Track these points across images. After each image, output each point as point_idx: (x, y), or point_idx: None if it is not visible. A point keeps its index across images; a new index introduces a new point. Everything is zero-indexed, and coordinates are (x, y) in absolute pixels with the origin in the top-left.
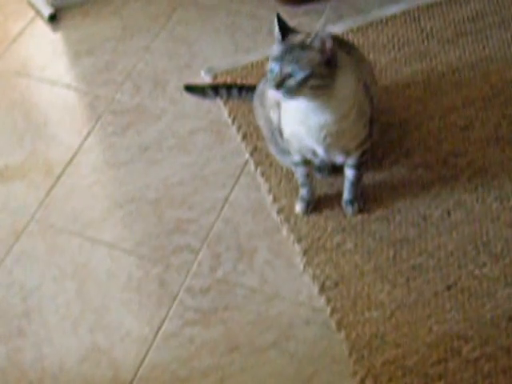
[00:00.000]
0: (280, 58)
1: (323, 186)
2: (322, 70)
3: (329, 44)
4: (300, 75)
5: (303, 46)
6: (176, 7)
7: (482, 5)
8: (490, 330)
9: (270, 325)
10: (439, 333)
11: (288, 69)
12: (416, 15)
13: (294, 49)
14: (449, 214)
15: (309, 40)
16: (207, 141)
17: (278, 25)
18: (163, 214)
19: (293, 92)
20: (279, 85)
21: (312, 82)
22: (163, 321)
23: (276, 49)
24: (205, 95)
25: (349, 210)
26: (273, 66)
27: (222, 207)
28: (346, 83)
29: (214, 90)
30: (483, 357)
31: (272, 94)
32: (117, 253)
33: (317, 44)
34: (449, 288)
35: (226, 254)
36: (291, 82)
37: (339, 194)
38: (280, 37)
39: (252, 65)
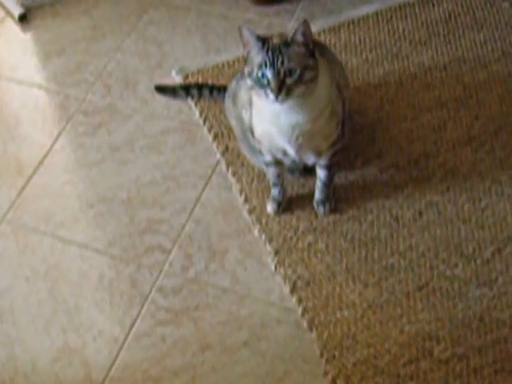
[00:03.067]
0: (271, 63)
1: (295, 186)
2: (311, 61)
3: (310, 33)
4: (297, 71)
5: (288, 44)
6: (147, 7)
7: (453, 6)
8: (461, 331)
9: (242, 324)
10: (411, 333)
11: (284, 69)
12: (388, 16)
13: (280, 49)
14: (420, 214)
15: (291, 36)
16: (178, 141)
17: (251, 35)
18: (135, 214)
19: (291, 91)
20: (280, 88)
21: (307, 74)
22: (135, 320)
23: (260, 56)
24: (175, 95)
25: (321, 210)
26: (265, 73)
27: (194, 207)
28: (322, 83)
29: (185, 90)
30: (455, 357)
31: (270, 102)
32: (89, 253)
33: (299, 38)
34: (420, 288)
35: (197, 253)
36: (290, 81)
37: (311, 195)
38: (260, 43)
39: (223, 65)
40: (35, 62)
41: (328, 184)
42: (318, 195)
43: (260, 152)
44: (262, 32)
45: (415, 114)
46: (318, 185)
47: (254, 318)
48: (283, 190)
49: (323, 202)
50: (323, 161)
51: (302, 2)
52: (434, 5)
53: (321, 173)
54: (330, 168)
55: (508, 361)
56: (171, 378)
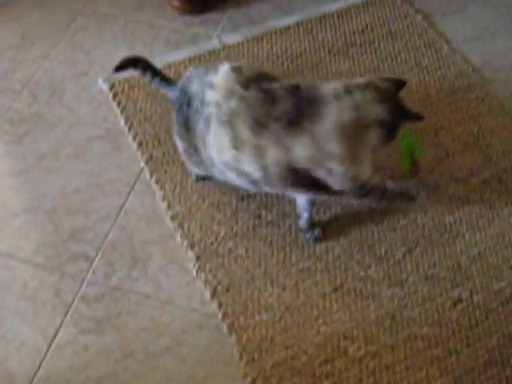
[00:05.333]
0: None
1: (217, 192)
2: None
3: None
4: None
5: None
6: (76, 15)
7: (371, 18)
8: (374, 330)
9: (163, 330)
10: (326, 333)
11: None
12: (309, 27)
13: None
14: (336, 218)
15: None
16: (104, 149)
17: None
18: (59, 223)
19: None
20: None
21: None
22: (58, 329)
23: None
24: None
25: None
26: None
27: (118, 215)
28: None
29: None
30: (368, 355)
31: None
32: (12, 262)
33: None
34: (336, 290)
35: (120, 261)
36: None
37: (232, 200)
38: None
39: None
40: None
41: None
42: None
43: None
44: (187, 42)
45: None
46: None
47: (175, 323)
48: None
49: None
50: None
51: (226, 12)
52: (352, 17)
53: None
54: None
55: (418, 357)
56: None
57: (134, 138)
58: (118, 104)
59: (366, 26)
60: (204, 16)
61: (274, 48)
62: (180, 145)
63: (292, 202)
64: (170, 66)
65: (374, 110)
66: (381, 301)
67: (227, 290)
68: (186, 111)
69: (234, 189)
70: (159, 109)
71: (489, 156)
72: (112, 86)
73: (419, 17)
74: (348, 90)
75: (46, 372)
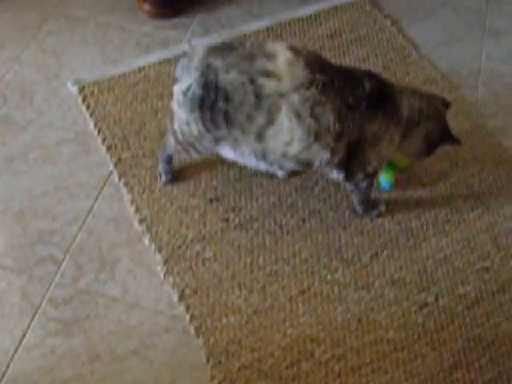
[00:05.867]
0: None
1: (184, 195)
2: None
3: None
4: None
5: None
6: (47, 18)
7: (340, 23)
8: (340, 333)
9: (131, 333)
10: (293, 336)
11: None
12: (278, 31)
13: None
14: (304, 222)
15: None
16: (72, 152)
17: None
18: (27, 225)
19: None
20: None
21: None
22: (25, 332)
23: None
24: None
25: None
26: None
27: (86, 218)
28: None
29: None
30: (334, 358)
31: None
32: None
33: None
34: (303, 293)
35: (88, 264)
36: None
37: (199, 204)
38: None
39: (119, 76)
40: None
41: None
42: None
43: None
44: (158, 45)
45: None
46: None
47: (142, 326)
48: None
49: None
50: None
51: (197, 16)
52: (321, 22)
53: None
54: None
55: (384, 360)
56: None
57: (103, 141)
58: (88, 107)
59: (335, 31)
60: (175, 20)
61: None
62: (206, 139)
63: (260, 205)
64: (140, 70)
65: (426, 123)
66: (347, 304)
67: (195, 292)
68: (223, 106)
69: (203, 192)
70: (129, 112)
71: (456, 161)
72: (81, 90)
73: (388, 22)
74: (414, 92)
75: (13, 374)
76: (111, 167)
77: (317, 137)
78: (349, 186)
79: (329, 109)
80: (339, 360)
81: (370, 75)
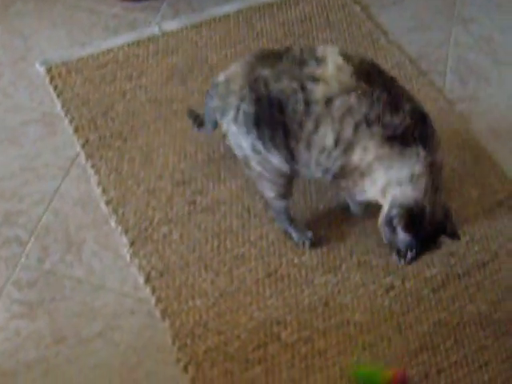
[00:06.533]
0: None
1: (151, 178)
2: None
3: None
4: None
5: None
6: (14, 0)
7: (309, 8)
8: (307, 315)
9: (96, 315)
10: (260, 319)
11: None
12: (248, 15)
13: None
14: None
15: None
16: (39, 133)
17: None
18: None
19: None
20: None
21: None
22: None
23: None
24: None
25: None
26: None
27: (52, 199)
28: None
29: None
30: (301, 340)
31: None
32: None
33: None
34: (269, 276)
35: (54, 245)
36: None
37: (167, 186)
38: None
39: (87, 58)
40: None
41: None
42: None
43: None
44: (126, 28)
45: None
46: None
47: (108, 308)
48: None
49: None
50: None
51: None
52: (290, 6)
53: None
54: None
55: (350, 342)
56: (25, 371)
57: (71, 122)
58: (55, 88)
59: (305, 16)
60: (144, 2)
61: (213, 35)
62: (274, 158)
63: (227, 188)
64: (108, 52)
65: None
66: (314, 287)
67: (161, 275)
68: (280, 118)
69: (170, 174)
70: (96, 94)
71: None
72: (49, 70)
73: (357, 8)
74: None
75: None
76: (78, 148)
77: (336, 143)
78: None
79: (351, 120)
80: (306, 342)
81: (417, 110)
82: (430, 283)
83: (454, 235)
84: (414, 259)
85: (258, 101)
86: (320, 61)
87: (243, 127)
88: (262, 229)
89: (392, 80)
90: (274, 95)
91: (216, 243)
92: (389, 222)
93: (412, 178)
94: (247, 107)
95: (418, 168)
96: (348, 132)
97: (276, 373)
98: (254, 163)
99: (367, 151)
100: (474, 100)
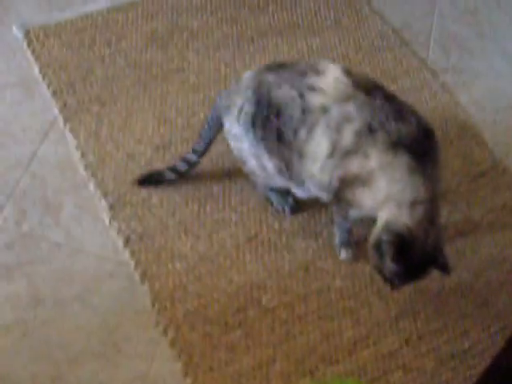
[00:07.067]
0: None
1: (130, 142)
2: None
3: None
4: None
5: None
6: None
7: None
8: (287, 280)
9: (75, 278)
10: (240, 283)
11: None
12: None
13: None
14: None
15: None
16: (16, 97)
17: None
18: None
19: None
20: None
21: None
22: None
23: None
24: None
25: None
26: None
27: (30, 163)
28: None
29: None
30: (281, 305)
31: None
32: None
33: None
34: (250, 241)
35: (32, 208)
36: None
37: (146, 151)
38: None
39: (66, 22)
40: None
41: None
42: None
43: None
44: None
45: None
46: None
47: (86, 272)
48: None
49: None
50: None
51: None
52: None
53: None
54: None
55: (330, 307)
56: (2, 333)
57: (48, 86)
58: (33, 52)
59: None
60: None
61: (194, 1)
62: (268, 164)
63: (208, 153)
64: (87, 17)
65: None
66: (295, 253)
67: (140, 238)
68: (275, 123)
69: (149, 139)
70: (75, 58)
71: None
72: (27, 34)
73: None
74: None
75: None
76: (56, 112)
77: (332, 153)
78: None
79: (350, 127)
80: (286, 307)
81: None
82: None
83: (445, 268)
84: (400, 286)
85: (258, 103)
86: (320, 73)
87: (243, 126)
88: (242, 194)
89: (394, 96)
90: (274, 100)
91: (196, 207)
92: (378, 245)
93: (412, 204)
94: (248, 107)
95: (422, 193)
96: (346, 140)
97: (256, 337)
98: (251, 165)
99: (369, 158)
100: (458, 72)
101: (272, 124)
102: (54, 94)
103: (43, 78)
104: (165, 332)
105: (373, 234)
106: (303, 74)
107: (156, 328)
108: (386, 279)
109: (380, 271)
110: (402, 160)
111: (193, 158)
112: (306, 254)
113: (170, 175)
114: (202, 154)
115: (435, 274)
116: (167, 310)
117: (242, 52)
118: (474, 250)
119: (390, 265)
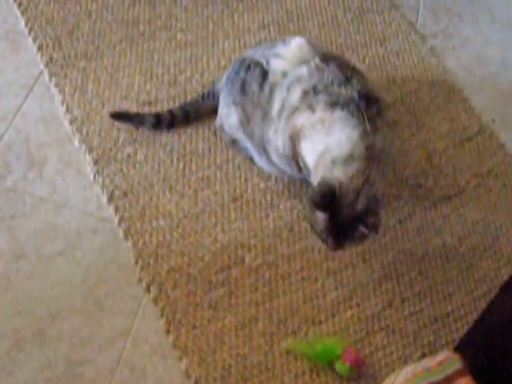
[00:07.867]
0: None
1: (116, 98)
2: None
3: None
4: None
5: None
6: None
7: None
8: (272, 240)
9: (58, 233)
10: (224, 242)
11: None
12: None
13: None
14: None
15: None
16: (1, 50)
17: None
18: None
19: None
20: None
21: None
22: None
23: None
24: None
25: None
26: None
27: (14, 117)
28: None
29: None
30: (265, 264)
31: None
32: None
33: None
34: (235, 200)
35: (16, 163)
36: None
37: (133, 106)
38: None
39: None
40: None
41: None
42: None
43: None
44: None
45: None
46: None
47: (70, 227)
48: None
49: None
50: None
51: None
52: None
53: None
54: None
55: (314, 268)
56: None
57: (34, 40)
58: (19, 5)
59: None
60: None
61: None
62: (234, 113)
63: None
64: None
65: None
66: (279, 212)
67: (125, 195)
68: (243, 75)
69: (135, 95)
70: (62, 12)
71: (393, 78)
72: None
73: None
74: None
75: None
76: (42, 67)
77: (281, 111)
78: None
79: (299, 87)
80: (270, 267)
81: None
82: (396, 214)
83: (373, 228)
84: (337, 245)
85: (242, 60)
86: (286, 43)
87: (224, 86)
88: (228, 152)
89: (354, 68)
90: (247, 61)
91: (181, 165)
92: (311, 198)
93: (346, 160)
94: (229, 74)
95: (358, 151)
96: (294, 98)
97: (239, 296)
98: (222, 113)
99: (314, 112)
100: (447, 36)
101: (238, 76)
102: (40, 48)
103: (29, 31)
104: (148, 289)
105: (309, 190)
106: (273, 45)
107: (139, 284)
108: (319, 236)
109: (312, 226)
110: (339, 116)
111: (177, 112)
112: (291, 214)
113: (150, 120)
114: (187, 113)
115: (420, 237)
116: (150, 266)
117: (230, 10)
118: (459, 215)
119: (319, 216)
